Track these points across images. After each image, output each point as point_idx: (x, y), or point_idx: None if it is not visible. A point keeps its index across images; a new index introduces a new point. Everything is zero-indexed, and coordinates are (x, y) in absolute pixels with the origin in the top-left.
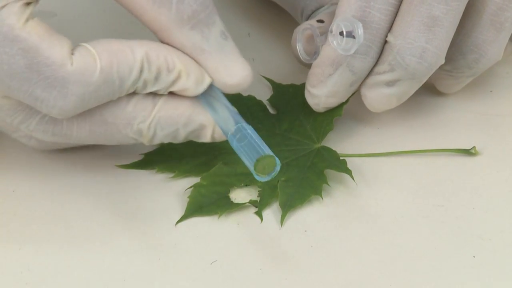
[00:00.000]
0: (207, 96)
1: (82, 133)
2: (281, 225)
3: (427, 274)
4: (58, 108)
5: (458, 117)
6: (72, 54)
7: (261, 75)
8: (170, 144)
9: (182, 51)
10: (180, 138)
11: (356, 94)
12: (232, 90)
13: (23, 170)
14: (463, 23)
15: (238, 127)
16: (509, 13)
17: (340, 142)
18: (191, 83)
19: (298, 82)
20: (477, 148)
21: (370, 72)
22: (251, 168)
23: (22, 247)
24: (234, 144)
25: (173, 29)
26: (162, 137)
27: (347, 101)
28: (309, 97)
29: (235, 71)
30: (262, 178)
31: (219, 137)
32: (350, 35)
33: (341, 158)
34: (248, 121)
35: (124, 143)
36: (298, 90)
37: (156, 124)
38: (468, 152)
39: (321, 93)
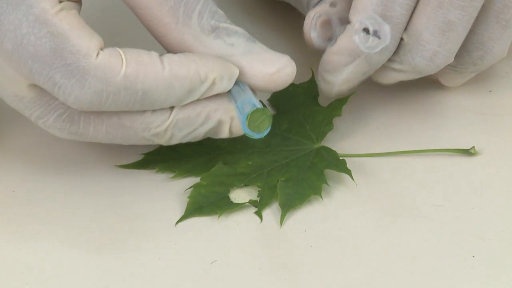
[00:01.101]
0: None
1: (98, 134)
2: (281, 225)
3: (427, 274)
4: (74, 97)
5: (457, 117)
6: (101, 50)
7: None
8: None
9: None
10: (199, 137)
11: (355, 95)
12: (276, 82)
13: (23, 170)
14: None
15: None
16: None
17: (340, 142)
18: (225, 84)
19: (297, 82)
20: (476, 148)
21: None
22: (243, 120)
23: (22, 247)
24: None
25: (197, 44)
26: (180, 138)
27: (346, 100)
28: (323, 83)
29: (271, 61)
30: (252, 134)
31: (237, 131)
32: (376, 34)
33: (340, 158)
34: None
35: (140, 144)
36: (297, 90)
37: (174, 126)
38: (467, 152)
39: (335, 80)
